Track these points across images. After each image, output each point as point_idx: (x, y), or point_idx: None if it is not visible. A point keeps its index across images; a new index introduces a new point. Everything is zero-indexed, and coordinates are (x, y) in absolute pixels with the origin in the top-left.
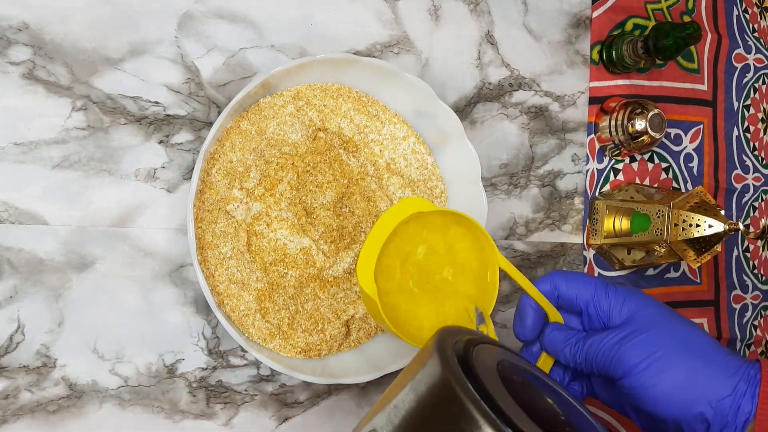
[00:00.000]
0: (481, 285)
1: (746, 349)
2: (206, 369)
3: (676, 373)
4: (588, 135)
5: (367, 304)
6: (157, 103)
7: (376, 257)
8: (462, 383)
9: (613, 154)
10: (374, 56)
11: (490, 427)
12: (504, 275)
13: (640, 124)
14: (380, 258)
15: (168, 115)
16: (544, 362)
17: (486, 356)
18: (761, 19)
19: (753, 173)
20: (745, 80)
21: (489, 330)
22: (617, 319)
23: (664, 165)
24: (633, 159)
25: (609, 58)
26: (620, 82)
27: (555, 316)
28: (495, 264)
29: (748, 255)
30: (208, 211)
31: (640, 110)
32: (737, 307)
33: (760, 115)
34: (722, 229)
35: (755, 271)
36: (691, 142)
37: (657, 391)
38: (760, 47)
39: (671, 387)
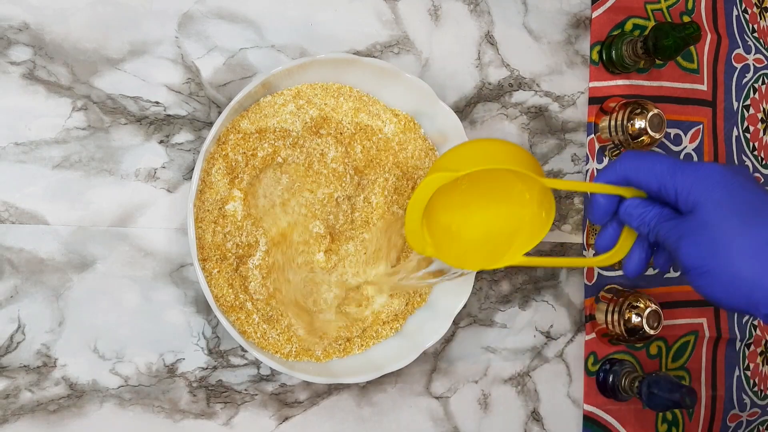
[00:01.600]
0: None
1: (746, 348)
2: (206, 369)
3: (730, 280)
4: (588, 135)
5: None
6: (157, 103)
7: (421, 214)
8: None
9: (613, 154)
10: (374, 56)
11: None
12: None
13: (639, 124)
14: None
15: (168, 115)
16: (624, 242)
17: None
18: (761, 19)
19: (753, 173)
20: (745, 80)
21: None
22: (684, 207)
23: None
24: None
25: (609, 58)
26: (620, 82)
27: (633, 193)
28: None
29: None
30: (208, 210)
31: (639, 110)
32: None
33: (760, 116)
34: None
35: None
36: (690, 142)
37: (713, 293)
38: (760, 47)
39: (726, 290)
